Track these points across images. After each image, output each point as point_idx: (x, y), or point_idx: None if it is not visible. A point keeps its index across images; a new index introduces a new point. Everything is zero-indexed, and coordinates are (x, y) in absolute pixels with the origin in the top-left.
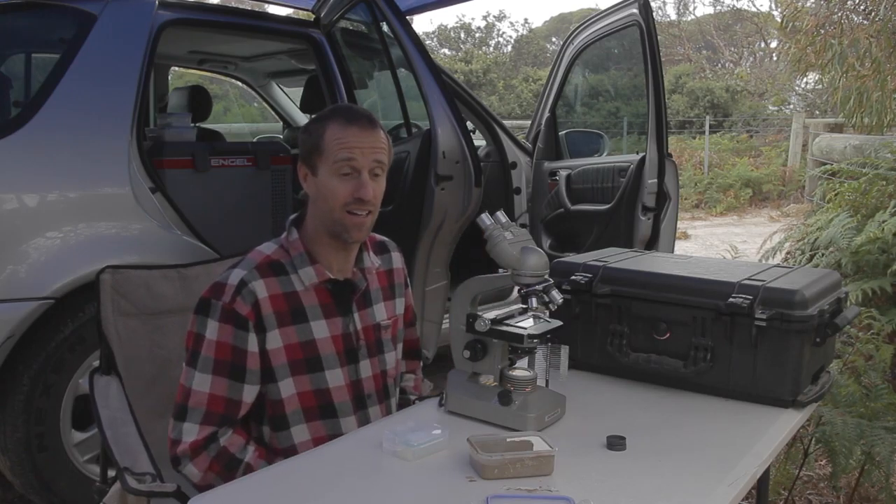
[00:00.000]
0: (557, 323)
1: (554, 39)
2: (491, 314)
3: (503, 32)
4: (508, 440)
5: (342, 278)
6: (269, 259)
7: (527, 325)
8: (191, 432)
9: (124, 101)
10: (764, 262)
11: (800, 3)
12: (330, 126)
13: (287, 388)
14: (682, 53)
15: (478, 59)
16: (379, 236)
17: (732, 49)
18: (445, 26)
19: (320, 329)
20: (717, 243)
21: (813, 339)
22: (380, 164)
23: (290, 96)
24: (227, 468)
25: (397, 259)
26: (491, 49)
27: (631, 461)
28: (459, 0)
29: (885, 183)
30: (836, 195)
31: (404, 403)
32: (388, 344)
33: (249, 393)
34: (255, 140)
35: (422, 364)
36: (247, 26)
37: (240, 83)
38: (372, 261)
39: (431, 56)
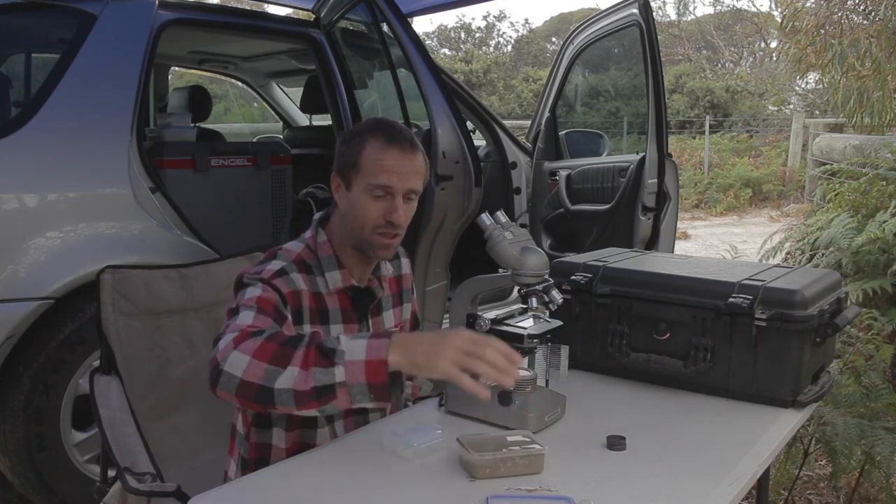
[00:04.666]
0: (557, 323)
1: (554, 39)
2: (491, 314)
3: (503, 32)
4: (499, 439)
5: (362, 286)
6: (300, 257)
7: (527, 325)
8: (233, 333)
9: (124, 101)
10: (764, 262)
11: (800, 3)
12: (370, 143)
13: None
14: (682, 53)
15: (478, 59)
16: None
17: (732, 49)
18: (445, 26)
19: (338, 333)
20: (717, 243)
21: (813, 339)
22: (413, 191)
23: (290, 96)
24: (286, 344)
25: (406, 265)
26: (491, 49)
27: (631, 461)
28: (461, 4)
29: (885, 183)
30: (836, 195)
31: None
32: None
33: None
34: (255, 140)
35: None
36: (247, 26)
37: (240, 83)
38: (388, 269)
39: (431, 56)
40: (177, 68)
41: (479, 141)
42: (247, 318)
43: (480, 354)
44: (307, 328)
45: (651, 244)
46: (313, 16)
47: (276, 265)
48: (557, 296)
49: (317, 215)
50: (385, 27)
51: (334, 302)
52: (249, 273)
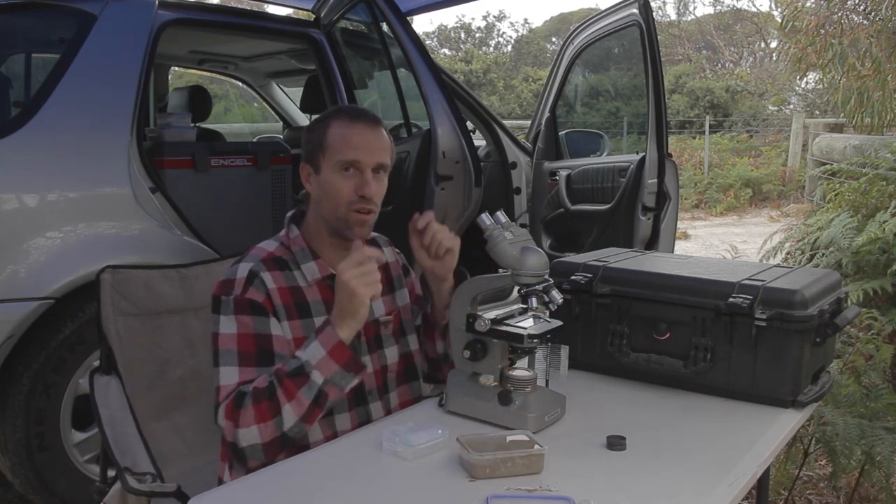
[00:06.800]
0: (557, 323)
1: (554, 39)
2: (491, 314)
3: (503, 32)
4: (499, 439)
5: None
6: (272, 255)
7: (527, 325)
8: (225, 403)
9: (124, 101)
10: (764, 262)
11: (800, 3)
12: (334, 124)
13: None
14: (682, 53)
15: (478, 59)
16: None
17: (732, 49)
18: (445, 26)
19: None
20: (717, 243)
21: (813, 339)
22: (382, 166)
23: (290, 96)
24: (272, 397)
25: (389, 253)
26: (491, 49)
27: (631, 461)
28: (461, 1)
29: (885, 183)
30: (836, 195)
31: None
32: (389, 339)
33: None
34: (255, 140)
35: None
36: (247, 26)
37: (240, 83)
38: None
39: (431, 56)
40: (177, 68)
41: (479, 141)
42: (230, 376)
43: (359, 273)
44: (285, 325)
45: (651, 244)
46: (313, 16)
47: (243, 271)
48: (557, 296)
49: (289, 213)
50: (385, 27)
51: (315, 294)
52: (224, 286)
